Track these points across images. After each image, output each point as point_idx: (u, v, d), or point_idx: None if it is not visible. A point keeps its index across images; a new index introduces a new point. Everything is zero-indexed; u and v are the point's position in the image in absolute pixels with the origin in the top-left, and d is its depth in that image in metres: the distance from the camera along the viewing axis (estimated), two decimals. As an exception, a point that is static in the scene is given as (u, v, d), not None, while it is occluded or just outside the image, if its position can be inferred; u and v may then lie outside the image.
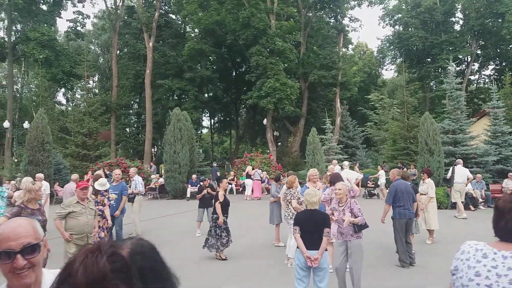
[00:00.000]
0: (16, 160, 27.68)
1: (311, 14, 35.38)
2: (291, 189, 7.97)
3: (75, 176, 10.88)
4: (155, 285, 1.28)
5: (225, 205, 8.27)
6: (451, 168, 14.39)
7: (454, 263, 1.96)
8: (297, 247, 4.84)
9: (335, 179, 7.80)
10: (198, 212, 10.97)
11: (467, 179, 14.17)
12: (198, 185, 11.80)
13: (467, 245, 1.95)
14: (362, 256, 5.66)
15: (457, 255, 1.96)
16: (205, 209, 10.81)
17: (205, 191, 10.92)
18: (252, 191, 20.36)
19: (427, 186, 9.36)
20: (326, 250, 4.84)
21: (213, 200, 8.57)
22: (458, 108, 19.07)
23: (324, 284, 4.77)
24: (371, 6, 40.28)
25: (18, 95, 40.48)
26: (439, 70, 37.27)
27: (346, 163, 13.73)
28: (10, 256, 1.65)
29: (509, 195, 1.90)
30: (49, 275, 1.73)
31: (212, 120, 48.71)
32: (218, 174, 23.28)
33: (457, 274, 1.90)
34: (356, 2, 37.54)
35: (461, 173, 14.00)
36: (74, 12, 34.61)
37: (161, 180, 21.80)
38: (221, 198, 8.14)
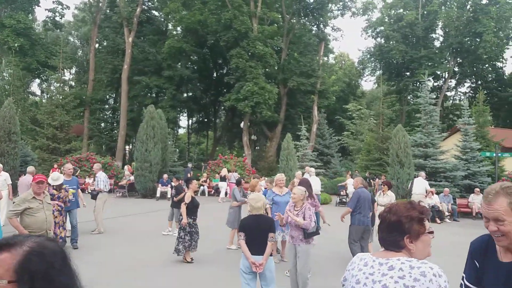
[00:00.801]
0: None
1: (294, 21, 35.53)
2: (252, 193, 7.85)
3: (31, 168, 10.44)
4: None
5: (193, 207, 7.97)
6: (412, 180, 14.58)
7: (344, 274, 2.03)
8: (243, 252, 4.78)
9: (303, 184, 7.75)
10: (170, 211, 10.83)
11: (425, 192, 14.40)
12: (170, 185, 11.51)
13: (356, 257, 2.02)
14: (309, 260, 5.73)
15: (347, 266, 2.03)
16: (178, 209, 10.62)
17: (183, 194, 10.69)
18: (226, 193, 20.18)
19: (389, 198, 9.36)
20: (271, 255, 4.81)
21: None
22: (431, 122, 19.34)
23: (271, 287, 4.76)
24: (354, 17, 40.79)
25: (-11, 82, 39.25)
26: (417, 84, 37.91)
27: (312, 169, 13.64)
28: None
29: (389, 207, 1.95)
30: None
31: (190, 120, 48.32)
32: (190, 175, 23.03)
33: (345, 284, 1.98)
34: (339, 12, 37.92)
35: (419, 185, 14.28)
36: (53, 2, 33.84)
37: (132, 178, 21.37)
38: (187, 200, 7.88)
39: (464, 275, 2.18)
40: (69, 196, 8.35)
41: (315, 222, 5.67)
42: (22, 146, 22.01)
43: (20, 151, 20.48)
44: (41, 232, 5.63)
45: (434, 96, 21.67)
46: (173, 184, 11.07)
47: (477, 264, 2.11)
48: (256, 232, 4.73)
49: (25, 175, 11.14)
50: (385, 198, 9.45)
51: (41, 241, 1.31)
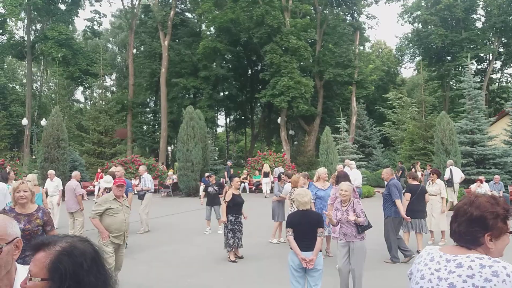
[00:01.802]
0: (33, 157, 28.20)
1: (327, 12, 34.96)
2: (295, 188, 7.82)
3: (75, 173, 10.87)
4: None
5: (234, 205, 7.91)
6: (447, 169, 14.06)
7: (410, 268, 1.97)
8: (291, 249, 4.73)
9: (341, 178, 7.67)
10: (205, 210, 10.91)
11: (460, 179, 14.14)
12: (202, 183, 11.65)
13: (424, 250, 1.94)
14: (364, 257, 5.59)
15: (415, 260, 1.96)
16: (212, 207, 10.78)
17: (210, 189, 10.83)
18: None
19: (438, 187, 9.07)
20: (320, 251, 4.73)
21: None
22: (476, 107, 18.52)
23: (319, 286, 4.70)
24: (388, 3, 39.59)
25: (37, 93, 41.27)
26: (459, 69, 36.38)
27: (352, 162, 13.40)
28: None
29: (470, 200, 1.80)
30: (24, 272, 1.73)
31: (228, 119, 48.74)
32: (232, 172, 23.28)
33: (411, 278, 1.92)
34: (373, -1, 36.90)
35: (457, 173, 13.98)
36: (91, 11, 35.13)
37: (175, 177, 21.87)
38: (227, 198, 7.91)
39: None
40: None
41: (365, 215, 5.55)
42: (70, 152, 22.99)
43: (69, 157, 21.40)
44: (120, 233, 5.82)
45: (479, 80, 20.69)
46: (210, 182, 11.21)
47: None
48: (305, 227, 4.66)
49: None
50: (434, 187, 9.18)
51: (72, 242, 1.38)
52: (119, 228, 5.79)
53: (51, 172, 12.09)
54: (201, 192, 12.10)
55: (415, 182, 8.44)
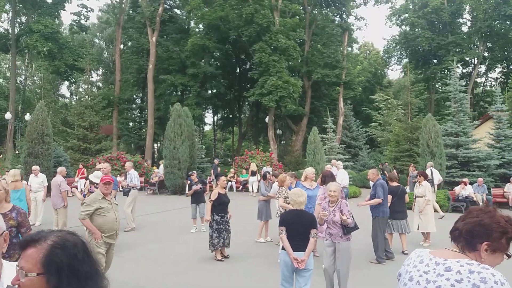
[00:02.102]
0: (17, 152, 27.70)
1: (316, 12, 35.11)
2: (282, 188, 7.85)
3: (61, 168, 10.68)
4: (71, 281, 1.35)
5: (220, 204, 7.78)
6: (428, 170, 14.28)
7: (400, 269, 1.98)
8: (282, 248, 4.72)
9: (328, 178, 7.73)
10: (191, 209, 10.85)
11: (438, 181, 14.53)
12: (189, 181, 11.57)
13: (413, 252, 1.97)
14: (350, 258, 5.63)
15: (404, 261, 1.97)
16: (197, 205, 10.72)
17: (197, 187, 10.78)
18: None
19: (424, 188, 9.20)
20: (312, 251, 4.74)
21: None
22: (462, 110, 18.79)
23: (308, 286, 4.69)
24: (377, 5, 39.95)
25: (21, 87, 40.54)
26: (445, 72, 36.88)
27: (339, 163, 13.48)
28: None
29: (487, 208, 1.81)
30: (9, 267, 1.76)
31: (215, 117, 48.59)
32: (219, 170, 23.22)
33: (400, 279, 1.93)
34: (362, 1, 37.25)
35: (436, 175, 14.36)
36: (78, 5, 34.58)
37: (161, 175, 21.72)
38: (213, 197, 7.75)
39: None
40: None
41: (352, 217, 5.57)
42: (55, 147, 22.65)
43: (53, 152, 21.08)
44: (112, 232, 5.68)
45: (464, 83, 20.99)
46: (192, 180, 11.18)
47: None
48: (298, 227, 4.65)
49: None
50: (420, 188, 9.32)
51: (62, 235, 1.43)
52: (111, 227, 5.67)
53: (35, 167, 11.85)
54: (187, 191, 12.00)
55: (395, 184, 8.64)
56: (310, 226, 4.66)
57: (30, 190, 10.95)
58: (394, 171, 20.71)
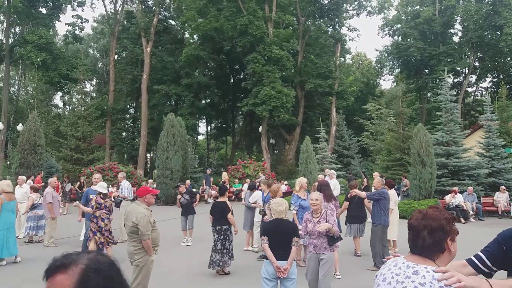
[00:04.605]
0: (8, 163, 27.57)
1: (309, 23, 35.49)
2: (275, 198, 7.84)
3: (51, 179, 10.63)
4: None
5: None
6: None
7: (376, 272, 2.10)
8: (265, 258, 4.72)
9: (323, 186, 7.78)
10: (181, 221, 10.71)
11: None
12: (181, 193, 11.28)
13: (391, 260, 2.08)
14: (333, 269, 5.65)
15: (381, 266, 2.10)
16: (186, 217, 10.49)
17: (182, 199, 10.66)
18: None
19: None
20: (295, 260, 4.75)
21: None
22: (452, 120, 18.99)
23: None
24: (369, 16, 40.49)
25: (14, 97, 40.44)
26: (437, 82, 37.27)
27: (333, 172, 13.56)
28: None
29: (421, 214, 1.97)
30: None
31: (209, 127, 48.67)
32: (212, 180, 23.22)
33: (375, 280, 2.06)
34: (355, 12, 37.75)
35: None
36: (73, 16, 34.70)
37: (154, 185, 21.68)
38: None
39: (482, 253, 2.26)
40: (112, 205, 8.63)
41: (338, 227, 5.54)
42: (47, 157, 22.59)
43: (45, 163, 21.01)
44: (158, 245, 5.55)
45: (455, 93, 21.26)
46: (179, 192, 11.02)
47: (504, 247, 2.20)
48: (280, 236, 4.65)
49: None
50: None
51: (94, 257, 1.28)
52: (158, 239, 5.52)
53: (21, 177, 11.66)
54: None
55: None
56: (292, 235, 4.68)
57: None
58: (355, 181, 21.06)
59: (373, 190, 8.48)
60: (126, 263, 8.34)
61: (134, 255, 5.34)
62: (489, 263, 2.22)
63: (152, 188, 5.87)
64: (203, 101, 37.97)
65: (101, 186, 8.42)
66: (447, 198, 15.51)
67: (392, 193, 9.31)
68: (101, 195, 8.23)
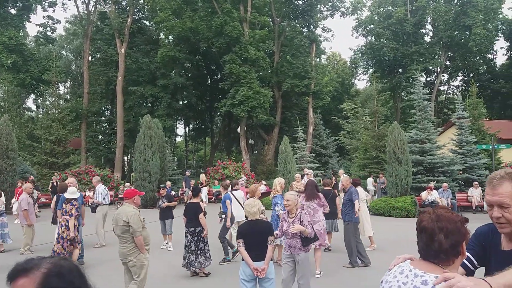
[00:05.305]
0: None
1: (284, 24, 35.72)
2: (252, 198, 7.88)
3: (26, 185, 10.40)
4: None
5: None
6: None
7: (382, 277, 2.00)
8: (242, 259, 4.71)
9: (310, 186, 7.91)
10: (160, 225, 10.50)
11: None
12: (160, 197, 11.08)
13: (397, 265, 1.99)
14: (310, 269, 5.60)
15: (387, 271, 1.99)
16: (164, 221, 10.29)
17: (160, 202, 10.53)
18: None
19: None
20: (271, 260, 4.76)
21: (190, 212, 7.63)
22: (426, 118, 19.48)
23: None
24: (343, 17, 41.02)
25: (-16, 100, 39.21)
26: (410, 81, 38.15)
27: (310, 171, 13.68)
28: None
29: (429, 215, 1.83)
30: None
31: (187, 128, 48.35)
32: (192, 182, 23.05)
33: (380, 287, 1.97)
34: (328, 13, 38.17)
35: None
36: (44, 17, 33.89)
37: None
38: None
39: (469, 252, 2.13)
40: (72, 210, 8.33)
41: (312, 228, 5.47)
42: (20, 162, 22.01)
43: (19, 168, 20.47)
44: (149, 244, 5.73)
45: (427, 92, 21.81)
46: (158, 196, 10.87)
47: (483, 244, 2.14)
48: (255, 237, 4.65)
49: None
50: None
51: (56, 261, 1.29)
52: (149, 239, 5.75)
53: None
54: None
55: (328, 188, 9.69)
56: (267, 234, 4.69)
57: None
58: (328, 179, 21.30)
59: (340, 187, 8.71)
60: (98, 267, 8.25)
61: (128, 256, 5.50)
62: (476, 262, 2.17)
63: (138, 190, 6.14)
64: (180, 102, 37.70)
65: (68, 192, 8.22)
66: (423, 194, 15.89)
67: (360, 190, 9.52)
68: (71, 201, 8.01)
